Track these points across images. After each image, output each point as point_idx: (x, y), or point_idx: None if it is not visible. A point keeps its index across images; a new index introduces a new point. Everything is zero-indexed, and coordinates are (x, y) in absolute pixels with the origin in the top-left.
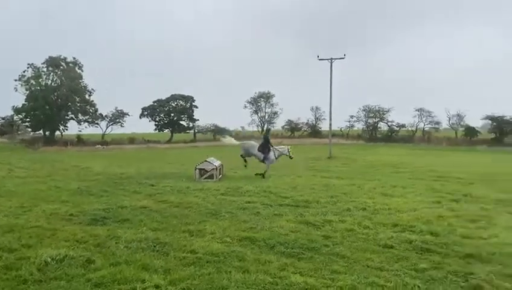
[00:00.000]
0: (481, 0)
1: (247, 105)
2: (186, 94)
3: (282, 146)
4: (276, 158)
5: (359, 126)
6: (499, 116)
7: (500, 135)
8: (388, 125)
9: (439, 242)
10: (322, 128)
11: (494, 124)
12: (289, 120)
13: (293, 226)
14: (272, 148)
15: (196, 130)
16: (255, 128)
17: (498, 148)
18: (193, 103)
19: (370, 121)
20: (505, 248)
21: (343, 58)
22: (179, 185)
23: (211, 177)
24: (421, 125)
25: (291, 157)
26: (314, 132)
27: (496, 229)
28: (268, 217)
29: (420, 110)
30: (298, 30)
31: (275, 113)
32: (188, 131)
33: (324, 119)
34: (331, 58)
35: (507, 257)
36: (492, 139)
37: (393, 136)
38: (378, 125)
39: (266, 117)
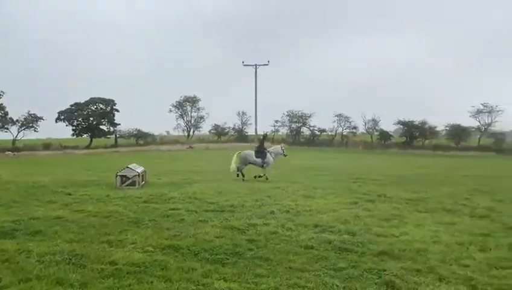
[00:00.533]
0: (395, 9)
1: (173, 109)
2: (107, 97)
3: (276, 146)
4: (273, 159)
5: (283, 131)
6: (408, 121)
7: (410, 138)
8: (310, 130)
9: (356, 241)
10: (248, 133)
11: (405, 128)
12: (215, 124)
13: (218, 232)
14: (267, 151)
15: (118, 135)
16: (181, 133)
17: (408, 151)
18: (114, 107)
19: (293, 125)
20: (414, 244)
21: (267, 64)
22: (98, 193)
23: (133, 184)
24: (340, 129)
25: (285, 155)
26: (240, 136)
27: (407, 227)
28: (193, 223)
29: (339, 115)
30: (225, 34)
31: (201, 117)
32: (108, 136)
33: (250, 123)
34: (256, 64)
35: (416, 253)
36: (403, 143)
37: (315, 140)
38: (301, 129)
39: (192, 121)
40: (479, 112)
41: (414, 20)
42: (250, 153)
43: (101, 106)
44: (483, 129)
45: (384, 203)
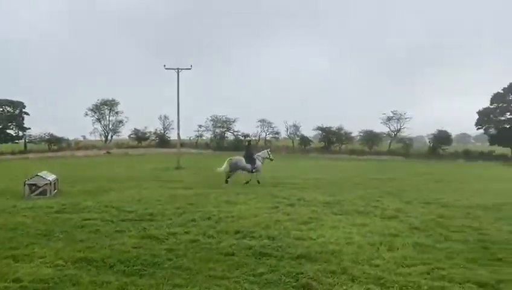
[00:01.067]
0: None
1: (89, 113)
2: (15, 100)
3: (262, 151)
4: (262, 163)
5: (208, 135)
6: (326, 127)
7: (328, 143)
8: (234, 135)
9: (276, 245)
10: (170, 138)
11: (323, 134)
12: (135, 129)
13: (136, 242)
14: (255, 156)
15: (27, 140)
16: (98, 138)
17: (326, 155)
18: (23, 110)
19: (217, 130)
20: (329, 246)
21: (189, 68)
22: (4, 203)
23: (43, 193)
24: (263, 134)
25: (271, 159)
26: (162, 141)
27: (323, 229)
28: (109, 234)
29: (262, 121)
30: (146, 36)
31: (120, 121)
32: (17, 141)
33: (173, 128)
34: (178, 68)
35: (331, 255)
36: (322, 148)
37: (239, 145)
38: (225, 134)
39: (110, 126)
40: (389, 119)
41: (334, 32)
42: (240, 159)
43: (9, 108)
44: (393, 135)
45: (303, 206)
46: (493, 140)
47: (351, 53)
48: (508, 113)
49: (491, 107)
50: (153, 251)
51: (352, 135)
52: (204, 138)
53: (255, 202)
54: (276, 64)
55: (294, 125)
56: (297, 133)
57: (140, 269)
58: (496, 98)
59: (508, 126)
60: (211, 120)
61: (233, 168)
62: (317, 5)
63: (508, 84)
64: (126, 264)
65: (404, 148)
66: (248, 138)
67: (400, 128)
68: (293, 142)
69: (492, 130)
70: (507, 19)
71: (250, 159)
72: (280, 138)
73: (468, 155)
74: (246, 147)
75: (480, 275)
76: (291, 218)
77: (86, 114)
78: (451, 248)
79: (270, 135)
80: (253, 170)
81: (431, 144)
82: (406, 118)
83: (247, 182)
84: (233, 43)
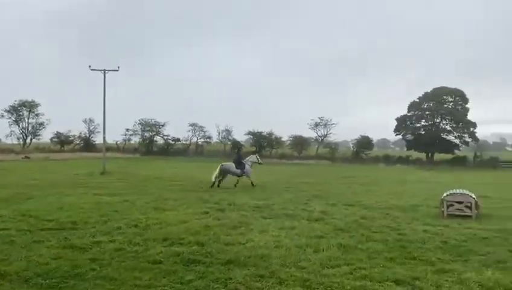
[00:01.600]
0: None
1: (5, 114)
2: None
3: (251, 156)
4: (250, 167)
5: (136, 139)
6: (257, 132)
7: (259, 148)
8: (164, 139)
9: (205, 252)
10: (96, 142)
11: (254, 138)
12: (58, 132)
13: (55, 253)
14: (244, 161)
15: None
16: (15, 141)
17: None
18: None
19: (146, 134)
20: (258, 251)
21: (117, 70)
22: None
23: None
24: (195, 139)
25: (260, 163)
26: (87, 145)
27: (253, 233)
28: (25, 245)
29: (194, 125)
30: (71, 37)
31: (41, 124)
32: None
33: (98, 132)
34: (104, 70)
35: (259, 259)
36: (253, 152)
37: (169, 150)
38: (155, 138)
39: (29, 129)
40: (316, 124)
41: (266, 38)
42: (231, 164)
43: None
44: (320, 140)
45: (233, 211)
46: (410, 145)
47: (283, 59)
48: (423, 121)
49: (408, 114)
50: (74, 262)
51: (283, 139)
52: (132, 142)
53: (185, 208)
54: (208, 68)
55: (226, 130)
56: (229, 137)
57: (59, 282)
58: (412, 106)
59: (423, 132)
60: (140, 124)
61: (225, 173)
62: (250, 10)
63: (423, 93)
64: (44, 277)
65: (331, 153)
66: (238, 146)
67: (326, 134)
68: (224, 146)
69: (409, 136)
70: (422, 32)
71: (239, 164)
72: (212, 142)
73: (387, 159)
74: (236, 153)
75: (397, 273)
76: (222, 223)
77: (2, 116)
78: (372, 248)
79: (202, 139)
80: (243, 174)
81: (354, 149)
82: (332, 124)
83: (235, 185)
84: (165, 44)
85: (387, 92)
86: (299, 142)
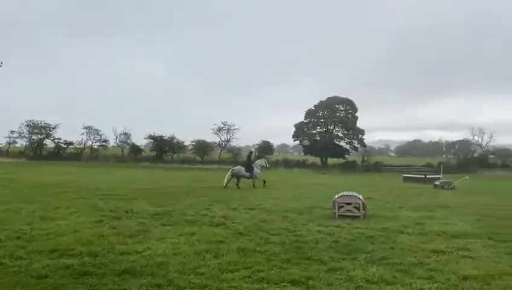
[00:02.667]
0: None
1: None
2: None
3: (259, 160)
4: (260, 170)
5: (22, 143)
6: (158, 136)
7: (160, 152)
8: (55, 143)
9: (98, 263)
10: None
11: (155, 143)
12: None
13: None
14: (254, 165)
15: None
16: None
17: (159, 164)
18: None
19: (34, 137)
20: (156, 259)
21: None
22: None
23: None
24: (90, 142)
25: (268, 167)
26: None
27: (151, 241)
28: None
29: (88, 128)
30: None
31: None
32: None
33: None
34: None
35: (157, 268)
36: (153, 157)
37: (60, 154)
38: (44, 142)
39: None
40: (219, 129)
41: (170, 41)
42: (241, 168)
43: None
44: (223, 145)
45: (130, 219)
46: (306, 150)
47: (189, 62)
48: (318, 127)
49: (305, 121)
50: None
51: (185, 144)
52: (18, 145)
53: (77, 216)
54: (106, 70)
55: (125, 133)
56: (128, 141)
57: None
58: (309, 113)
59: (318, 138)
60: (27, 125)
61: (236, 175)
62: (155, 14)
63: (319, 102)
64: None
65: (233, 157)
66: (250, 151)
67: (229, 139)
68: (122, 151)
69: (306, 142)
70: (325, 43)
71: (249, 168)
72: (108, 146)
73: (287, 163)
74: (247, 158)
75: (293, 273)
76: (117, 232)
77: None
78: (270, 250)
79: (98, 143)
80: (252, 177)
81: (256, 154)
82: (234, 129)
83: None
84: (59, 43)
85: (289, 99)
86: (202, 147)
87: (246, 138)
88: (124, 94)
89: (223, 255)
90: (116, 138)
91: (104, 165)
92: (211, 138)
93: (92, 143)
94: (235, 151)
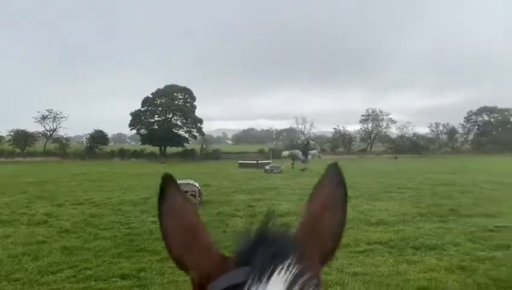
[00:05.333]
0: None
1: None
2: None
3: (314, 150)
4: (311, 157)
5: None
6: None
7: None
8: None
9: None
10: None
11: None
12: None
13: None
14: (309, 152)
15: None
16: None
17: None
18: None
19: None
20: None
21: None
22: None
23: None
24: None
25: (319, 157)
26: None
27: None
28: None
29: None
30: None
31: None
32: None
33: None
34: None
35: None
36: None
37: None
38: None
39: None
40: (44, 117)
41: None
42: (299, 152)
43: None
44: (48, 135)
45: None
46: (144, 140)
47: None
48: (157, 116)
49: (142, 109)
50: None
51: (1, 134)
52: None
53: None
54: None
55: None
56: None
57: None
58: (146, 101)
59: (156, 127)
60: None
61: (294, 157)
62: None
63: (156, 89)
64: None
65: (61, 149)
66: (308, 139)
67: (56, 128)
68: None
69: (143, 131)
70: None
71: (304, 153)
72: None
73: (123, 154)
74: (305, 145)
75: (124, 267)
76: None
77: None
78: (100, 246)
79: None
80: (305, 160)
81: (88, 144)
82: (62, 117)
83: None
84: None
85: (127, 86)
86: (22, 138)
87: (77, 128)
88: None
89: (43, 257)
90: None
91: None
92: (34, 127)
93: None
94: (64, 142)
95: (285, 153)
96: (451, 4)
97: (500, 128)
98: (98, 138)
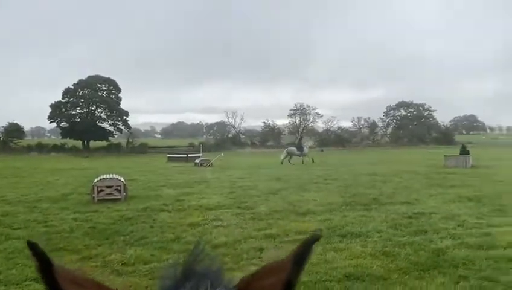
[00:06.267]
0: None
1: None
2: None
3: (307, 142)
4: (307, 149)
5: None
6: None
7: None
8: None
9: None
10: None
11: None
12: None
13: None
14: (303, 145)
15: None
16: None
17: None
18: None
19: None
20: None
21: None
22: None
23: None
24: None
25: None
26: None
27: None
28: None
29: None
30: None
31: None
32: None
33: None
34: None
35: None
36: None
37: None
38: None
39: None
40: None
41: None
42: (293, 149)
43: None
44: None
45: None
46: (65, 133)
47: None
48: (79, 108)
49: (63, 101)
50: None
51: None
52: None
53: None
54: None
55: None
56: None
57: None
58: (67, 92)
59: (78, 120)
60: None
61: (290, 154)
62: None
63: (78, 80)
64: None
65: None
66: (301, 135)
67: None
68: None
69: (64, 124)
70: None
71: (299, 148)
72: None
73: (41, 148)
74: (299, 140)
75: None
76: None
77: None
78: (12, 247)
79: None
80: (302, 155)
81: (1, 138)
82: None
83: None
84: None
85: (48, 76)
86: None
87: None
88: None
89: None
90: None
91: None
92: None
93: None
94: None
95: (283, 154)
96: (375, 5)
97: (415, 123)
98: (13, 131)
